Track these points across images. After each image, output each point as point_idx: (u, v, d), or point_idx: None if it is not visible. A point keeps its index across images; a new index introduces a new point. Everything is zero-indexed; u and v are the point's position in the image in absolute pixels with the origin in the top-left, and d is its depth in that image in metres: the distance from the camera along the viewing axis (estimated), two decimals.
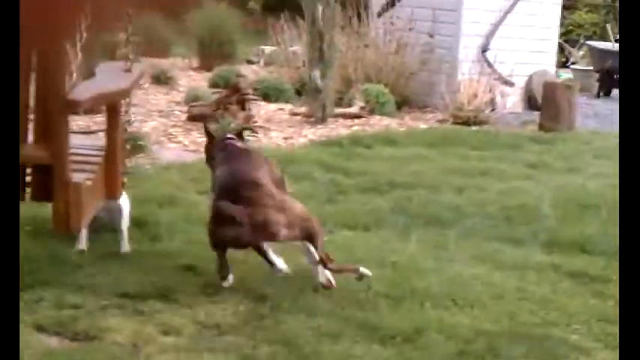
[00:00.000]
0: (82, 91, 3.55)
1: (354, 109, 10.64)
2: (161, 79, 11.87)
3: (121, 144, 4.06)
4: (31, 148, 3.49)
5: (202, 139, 8.41)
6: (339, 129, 9.78)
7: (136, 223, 5.45)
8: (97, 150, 4.16)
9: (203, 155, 7.53)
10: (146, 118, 9.40)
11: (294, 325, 4.24)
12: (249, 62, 14.87)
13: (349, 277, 4.81)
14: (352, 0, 12.67)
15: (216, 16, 14.00)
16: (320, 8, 9.89)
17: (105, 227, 5.32)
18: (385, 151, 8.71)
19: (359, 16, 12.14)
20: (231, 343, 4.06)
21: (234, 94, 9.34)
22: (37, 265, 4.61)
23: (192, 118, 9.31)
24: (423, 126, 10.50)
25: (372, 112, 10.77)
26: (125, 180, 4.36)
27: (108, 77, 4.08)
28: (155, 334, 4.07)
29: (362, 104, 10.69)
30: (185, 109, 9.78)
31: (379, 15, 12.32)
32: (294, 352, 3.99)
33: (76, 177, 3.51)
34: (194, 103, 9.78)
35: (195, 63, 14.13)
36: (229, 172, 4.87)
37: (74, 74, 3.49)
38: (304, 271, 4.91)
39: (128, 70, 4.07)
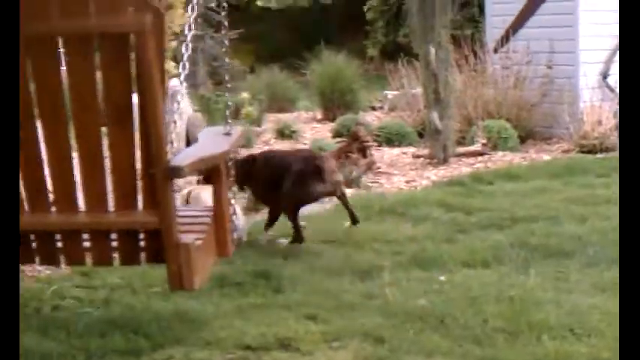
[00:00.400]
0: (183, 157, 3.76)
1: (476, 147, 10.69)
2: (285, 133, 12.14)
3: (227, 202, 4.25)
4: (140, 215, 3.72)
5: None
6: (461, 168, 9.86)
7: (261, 275, 5.66)
8: (205, 210, 4.38)
9: (326, 206, 7.81)
10: None
11: None
12: (373, 109, 15.05)
13: (466, 313, 4.91)
14: (467, 38, 12.77)
15: (335, 66, 14.25)
16: (432, 50, 10.00)
17: (230, 282, 5.55)
18: (507, 186, 8.74)
19: (475, 53, 12.21)
20: None
21: (354, 143, 9.51)
22: (167, 324, 4.84)
23: None
24: (546, 158, 10.48)
25: (494, 148, 10.79)
26: (235, 237, 4.54)
27: (208, 142, 4.31)
28: None
29: (484, 141, 10.73)
30: None
31: (495, 50, 12.37)
32: None
33: (185, 238, 3.71)
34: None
35: (319, 114, 14.39)
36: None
37: (174, 141, 3.68)
38: (423, 311, 5.02)
39: (228, 134, 4.28)
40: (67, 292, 5.37)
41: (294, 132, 12.16)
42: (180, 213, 3.95)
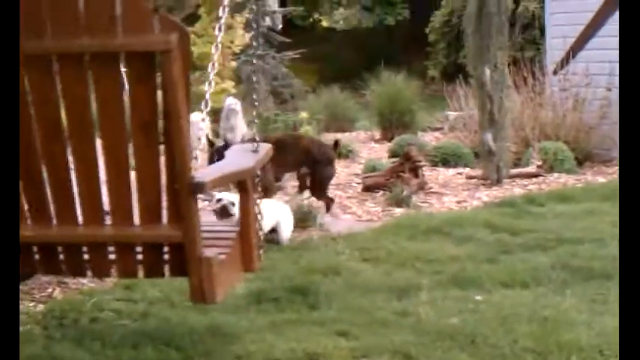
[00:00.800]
0: (207, 173, 3.85)
1: (530, 169, 10.67)
2: (342, 153, 12.20)
3: (254, 218, 4.33)
4: (165, 228, 3.81)
5: (375, 209, 8.74)
6: (513, 189, 9.83)
7: (298, 292, 5.72)
8: (231, 226, 4.47)
9: (373, 225, 7.89)
10: None
11: None
12: (434, 129, 15.07)
13: (497, 332, 4.93)
14: (527, 60, 12.75)
15: (394, 87, 14.29)
16: (487, 72, 10.01)
17: (267, 298, 5.63)
18: (558, 208, 8.69)
19: (533, 74, 12.20)
20: None
21: (406, 162, 9.58)
22: (199, 337, 4.93)
23: (367, 188, 9.58)
24: (601, 180, 10.42)
25: (550, 170, 10.75)
26: (261, 252, 4.62)
27: (235, 158, 4.39)
28: None
29: (539, 163, 10.70)
30: None
31: (555, 72, 12.33)
32: None
33: (208, 252, 3.79)
34: (368, 174, 10.06)
35: (377, 134, 14.45)
36: None
37: (199, 157, 3.76)
38: (454, 329, 5.05)
39: (256, 151, 4.36)
40: (107, 305, 5.48)
41: (350, 151, 12.24)
42: (206, 227, 4.03)
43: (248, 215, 4.24)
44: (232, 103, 9.95)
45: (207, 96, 3.92)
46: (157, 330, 5.05)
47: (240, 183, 4.24)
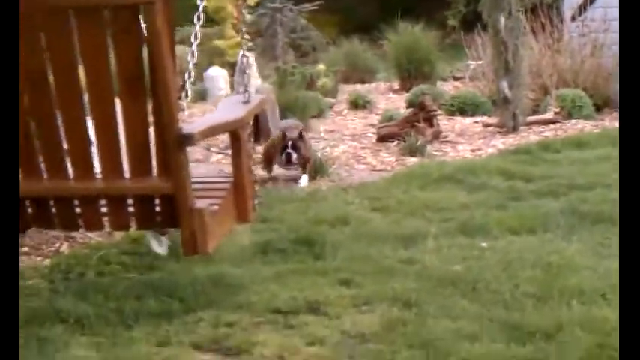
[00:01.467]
0: (196, 125, 3.85)
1: (548, 116, 10.60)
2: (359, 104, 12.19)
3: (247, 169, 4.32)
4: (155, 181, 3.82)
5: (389, 159, 8.73)
6: (530, 137, 9.78)
7: (305, 242, 5.73)
8: (225, 177, 4.48)
9: (386, 175, 7.88)
10: (338, 142, 9.71)
11: (437, 329, 4.36)
12: (456, 78, 15.00)
13: (499, 278, 4.93)
14: (544, 6, 12.63)
15: (412, 37, 14.20)
16: (502, 19, 9.91)
17: (273, 248, 5.65)
18: (573, 154, 8.65)
19: (551, 21, 12.08)
20: (372, 349, 4.23)
21: (420, 112, 9.55)
22: (202, 288, 4.95)
23: (381, 138, 9.56)
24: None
25: (568, 116, 10.68)
26: (256, 202, 4.62)
27: (225, 109, 4.39)
28: (300, 346, 4.28)
29: (556, 110, 10.63)
30: None
31: (573, 19, 12.21)
32: (432, 355, 4.12)
33: (200, 203, 3.81)
34: (382, 124, 10.03)
35: (396, 85, 14.39)
36: None
37: (185, 109, 3.77)
38: (457, 276, 5.05)
39: (247, 102, 4.35)
40: (113, 258, 5.50)
41: (367, 102, 12.21)
42: (198, 179, 4.05)
43: (241, 166, 4.24)
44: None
45: (194, 47, 3.91)
46: (161, 281, 5.07)
47: (233, 134, 4.23)
